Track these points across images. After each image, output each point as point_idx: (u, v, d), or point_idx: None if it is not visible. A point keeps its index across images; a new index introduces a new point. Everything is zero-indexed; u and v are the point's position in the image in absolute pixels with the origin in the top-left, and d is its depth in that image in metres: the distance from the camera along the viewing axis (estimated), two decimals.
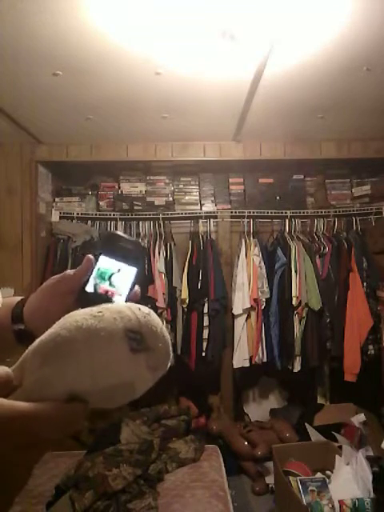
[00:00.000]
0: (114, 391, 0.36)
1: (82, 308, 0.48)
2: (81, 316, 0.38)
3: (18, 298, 0.56)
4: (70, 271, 0.52)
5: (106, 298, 0.48)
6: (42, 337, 0.38)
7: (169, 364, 0.41)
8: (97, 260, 0.50)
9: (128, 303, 0.43)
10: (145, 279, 2.76)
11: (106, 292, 0.49)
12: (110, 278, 0.49)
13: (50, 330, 0.38)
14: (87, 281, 0.50)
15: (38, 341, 0.38)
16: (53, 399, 0.34)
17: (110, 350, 0.36)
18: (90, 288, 0.49)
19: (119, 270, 0.49)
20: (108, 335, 0.36)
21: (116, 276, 0.49)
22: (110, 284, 0.49)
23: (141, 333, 0.37)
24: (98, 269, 0.50)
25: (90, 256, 0.50)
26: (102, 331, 0.36)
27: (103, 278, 0.49)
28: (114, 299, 0.49)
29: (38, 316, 0.51)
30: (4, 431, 0.31)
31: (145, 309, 0.41)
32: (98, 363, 0.35)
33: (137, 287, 0.51)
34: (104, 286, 0.49)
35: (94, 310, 0.39)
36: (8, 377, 0.34)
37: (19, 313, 0.53)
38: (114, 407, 0.38)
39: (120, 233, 0.51)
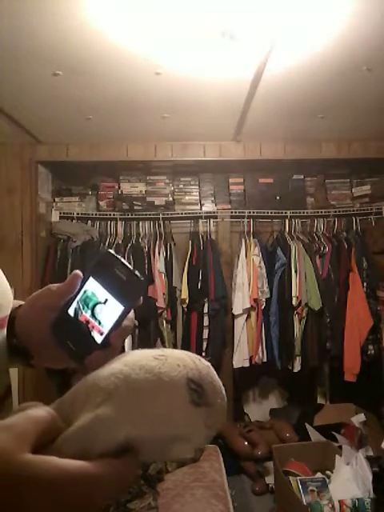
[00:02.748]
0: (169, 444, 0.34)
1: (54, 333, 0.44)
2: (142, 356, 0.35)
3: (16, 303, 0.53)
4: (53, 286, 0.46)
5: (84, 330, 0.42)
6: (100, 372, 0.34)
7: (222, 422, 0.37)
8: (85, 280, 0.43)
9: (187, 352, 0.38)
10: (144, 278, 2.77)
11: (87, 322, 0.43)
12: (93, 307, 0.42)
13: (111, 365, 0.35)
14: (71, 301, 0.44)
15: (93, 376, 0.34)
16: (108, 444, 0.31)
17: (172, 397, 0.33)
18: (71, 311, 0.43)
19: (106, 302, 0.42)
20: (171, 381, 0.33)
21: (100, 307, 0.42)
22: (93, 314, 0.42)
23: (202, 385, 0.35)
24: (85, 291, 0.43)
25: (78, 272, 0.44)
26: (166, 376, 0.34)
27: (87, 306, 0.43)
28: (93, 334, 0.42)
29: (28, 330, 0.48)
30: (62, 498, 0.28)
31: (204, 361, 0.38)
32: (159, 409, 0.33)
33: (124, 325, 0.43)
34: (86, 315, 0.43)
35: (155, 352, 0.36)
36: (53, 419, 0.31)
37: (11, 326, 0.49)
38: (159, 460, 0.36)
39: (118, 257, 0.43)
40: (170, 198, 3.06)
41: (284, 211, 3.01)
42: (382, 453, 2.02)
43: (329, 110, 2.37)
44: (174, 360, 0.35)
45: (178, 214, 3.04)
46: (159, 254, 2.87)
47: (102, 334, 0.42)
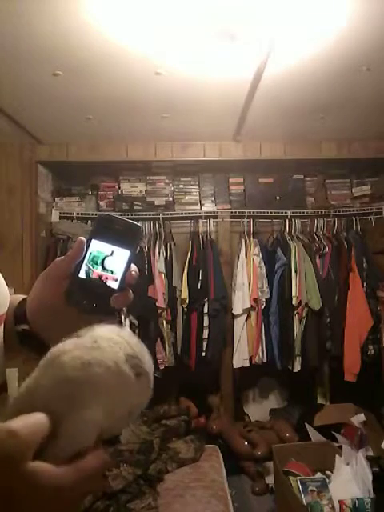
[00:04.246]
0: (124, 419, 0.37)
1: (69, 298, 0.47)
2: (79, 351, 0.35)
3: (20, 297, 0.55)
4: (59, 258, 0.50)
5: (99, 283, 0.47)
6: (47, 382, 0.34)
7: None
8: (88, 244, 0.48)
9: (109, 327, 0.39)
10: (144, 278, 2.77)
11: (100, 276, 0.47)
12: (102, 262, 0.47)
13: (55, 372, 0.35)
14: (80, 266, 0.48)
15: (44, 389, 0.34)
16: (88, 443, 0.33)
17: (121, 381, 0.35)
18: (82, 274, 0.47)
19: (112, 253, 0.47)
20: (116, 365, 0.35)
21: (109, 259, 0.47)
22: (104, 268, 0.47)
23: (137, 356, 0.37)
24: (90, 253, 0.47)
25: (82, 238, 0.48)
26: (110, 362, 0.35)
27: (96, 263, 0.47)
28: (108, 283, 0.47)
29: (40, 313, 0.50)
30: (60, 504, 0.30)
31: (126, 330, 0.40)
32: (116, 396, 0.35)
33: (133, 268, 0.48)
34: (97, 271, 0.47)
35: (86, 340, 0.37)
36: (49, 422, 0.32)
37: (22, 312, 0.51)
38: (119, 433, 0.38)
39: (113, 214, 0.49)
40: (170, 198, 3.06)
41: (284, 211, 3.01)
42: (382, 453, 2.02)
43: (329, 110, 2.37)
44: (105, 342, 0.37)
45: (178, 214, 3.04)
46: (159, 254, 2.87)
47: (116, 280, 0.47)
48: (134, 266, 0.48)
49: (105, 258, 0.47)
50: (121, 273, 0.47)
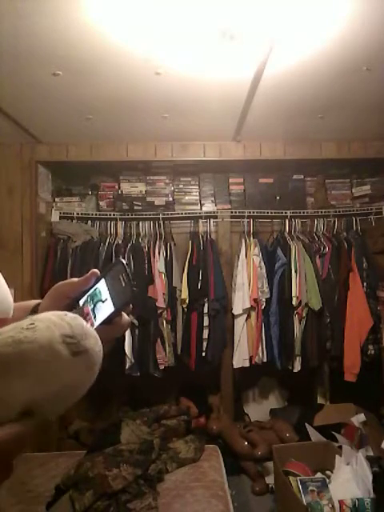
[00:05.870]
0: (61, 397, 0.38)
1: None
2: (13, 331, 0.38)
3: (35, 302, 0.57)
4: (74, 278, 0.53)
5: (82, 319, 0.48)
6: None
7: (100, 362, 0.42)
8: (99, 279, 0.50)
9: (53, 311, 0.42)
10: (144, 278, 2.77)
11: (87, 314, 0.49)
12: (96, 303, 0.49)
13: None
14: (84, 294, 0.50)
15: None
16: (9, 415, 0.35)
17: (54, 356, 0.37)
18: (81, 302, 0.50)
19: (105, 301, 0.48)
20: (48, 343, 0.37)
21: (99, 305, 0.49)
22: (93, 309, 0.49)
23: (74, 336, 0.39)
24: (95, 289, 0.50)
25: (95, 270, 0.51)
26: (43, 340, 0.37)
27: (92, 300, 0.49)
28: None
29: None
30: None
31: (71, 314, 0.42)
32: (46, 372, 0.37)
33: (115, 322, 0.49)
34: (88, 308, 0.49)
35: (24, 322, 0.39)
36: None
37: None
38: (60, 413, 0.39)
39: (127, 268, 0.50)
40: (170, 198, 3.06)
41: (284, 211, 3.01)
42: (382, 453, 2.02)
43: (329, 110, 2.37)
44: (43, 324, 0.39)
45: (178, 214, 3.04)
46: (159, 254, 2.87)
47: (92, 326, 0.48)
48: (122, 321, 0.50)
49: (98, 301, 0.49)
50: (97, 323, 0.48)
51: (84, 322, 0.42)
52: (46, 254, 2.89)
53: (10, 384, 0.36)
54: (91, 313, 0.49)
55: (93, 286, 0.50)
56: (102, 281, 0.49)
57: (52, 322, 0.39)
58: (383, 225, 2.93)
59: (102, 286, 0.49)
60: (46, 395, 0.37)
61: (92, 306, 0.49)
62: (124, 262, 0.50)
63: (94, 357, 0.40)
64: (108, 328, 0.48)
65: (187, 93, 2.08)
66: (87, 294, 0.50)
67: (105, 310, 0.48)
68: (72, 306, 0.50)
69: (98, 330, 0.46)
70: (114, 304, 0.48)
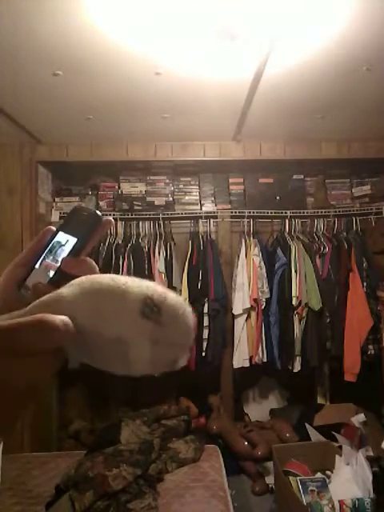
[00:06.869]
0: (108, 344, 0.35)
1: (18, 287, 0.44)
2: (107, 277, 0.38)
3: None
4: (17, 258, 0.48)
5: (40, 271, 0.44)
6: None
7: (179, 358, 0.37)
8: (55, 235, 0.45)
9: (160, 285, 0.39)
10: (144, 278, 2.76)
11: (47, 266, 0.44)
12: (56, 251, 0.44)
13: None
14: (39, 257, 0.45)
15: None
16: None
17: (122, 302, 0.35)
18: (38, 264, 0.45)
19: (66, 243, 0.44)
20: (126, 290, 0.36)
21: (60, 249, 0.44)
22: (54, 258, 0.44)
23: (159, 306, 0.36)
24: (52, 243, 0.45)
25: (49, 227, 0.46)
26: (126, 286, 0.36)
27: (50, 252, 0.45)
28: (48, 273, 0.44)
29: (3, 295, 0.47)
30: None
31: (179, 296, 0.39)
32: (108, 307, 0.35)
33: (83, 259, 0.44)
34: (47, 262, 0.44)
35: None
36: None
37: None
38: (99, 368, 0.36)
39: (81, 206, 0.46)
40: (170, 198, 3.06)
41: (284, 211, 3.01)
42: (382, 453, 2.02)
43: (329, 110, 2.37)
44: (139, 281, 0.37)
45: (178, 214, 3.04)
46: (159, 253, 2.87)
47: (54, 269, 0.43)
48: (85, 256, 0.45)
49: (59, 247, 0.44)
50: (59, 262, 0.43)
51: (186, 310, 0.38)
52: None
53: (76, 296, 0.35)
54: (52, 262, 0.44)
55: (48, 245, 0.45)
56: (59, 234, 0.45)
57: (148, 284, 0.38)
58: (383, 225, 2.93)
59: (59, 237, 0.45)
60: (94, 328, 0.35)
61: (51, 257, 0.44)
62: (77, 206, 0.46)
63: (167, 335, 0.36)
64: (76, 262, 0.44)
65: (187, 93, 2.08)
66: (43, 253, 0.45)
67: (66, 248, 0.44)
68: (27, 273, 0.44)
69: (63, 267, 0.43)
70: (75, 235, 0.44)
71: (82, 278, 0.37)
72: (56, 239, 0.45)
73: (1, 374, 0.31)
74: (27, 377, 0.32)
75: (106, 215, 0.47)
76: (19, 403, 0.33)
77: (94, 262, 0.45)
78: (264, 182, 3.09)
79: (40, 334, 0.31)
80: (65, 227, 0.45)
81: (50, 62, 1.74)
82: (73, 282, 0.37)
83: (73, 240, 0.44)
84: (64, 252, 0.44)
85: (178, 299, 0.38)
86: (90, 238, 0.45)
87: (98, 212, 0.45)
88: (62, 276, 0.42)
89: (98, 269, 0.45)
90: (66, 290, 0.36)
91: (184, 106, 2.26)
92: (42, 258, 0.45)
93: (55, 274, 0.43)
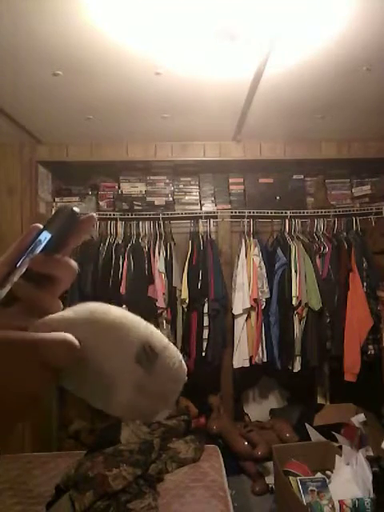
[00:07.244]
0: (95, 377, 0.36)
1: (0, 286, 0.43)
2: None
3: None
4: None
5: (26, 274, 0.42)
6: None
7: (158, 411, 0.38)
8: (39, 234, 0.43)
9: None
10: (144, 278, 2.77)
11: (26, 265, 0.43)
12: (32, 250, 0.43)
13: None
14: (22, 256, 0.43)
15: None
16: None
17: (123, 340, 0.36)
18: (19, 263, 0.43)
19: (45, 240, 0.42)
20: (130, 329, 0.36)
21: (38, 248, 0.42)
22: (29, 256, 0.43)
23: (155, 356, 0.36)
24: (35, 242, 0.43)
25: (35, 225, 0.44)
26: (131, 324, 0.37)
27: (33, 251, 0.43)
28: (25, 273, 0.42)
29: None
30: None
31: (177, 351, 0.40)
32: (108, 340, 0.36)
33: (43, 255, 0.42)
34: (27, 260, 0.42)
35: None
36: None
37: None
38: (80, 396, 0.37)
39: (65, 205, 0.45)
40: (170, 198, 3.06)
41: (284, 211, 3.01)
42: (382, 453, 2.02)
43: (329, 110, 2.37)
44: (151, 328, 0.38)
45: (178, 214, 3.04)
46: (159, 254, 2.87)
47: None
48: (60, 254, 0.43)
49: (39, 245, 0.42)
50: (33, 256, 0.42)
51: (178, 362, 0.39)
52: None
53: (80, 322, 0.36)
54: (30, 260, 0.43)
55: (31, 244, 0.43)
56: (44, 231, 0.43)
57: (149, 325, 0.39)
58: (383, 225, 2.93)
59: (43, 234, 0.43)
60: (91, 354, 0.35)
61: (32, 255, 0.42)
62: (62, 205, 0.45)
63: (154, 386, 0.37)
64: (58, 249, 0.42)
65: (187, 93, 2.08)
66: (26, 252, 0.43)
67: (41, 247, 0.42)
68: (7, 272, 0.43)
69: (35, 259, 0.41)
70: (50, 232, 0.42)
71: (97, 306, 0.38)
72: (39, 237, 0.43)
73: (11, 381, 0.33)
74: (29, 388, 0.34)
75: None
76: (14, 414, 0.34)
77: (72, 262, 0.43)
78: (264, 181, 3.09)
79: (62, 351, 0.34)
80: (47, 225, 0.43)
81: (50, 61, 1.74)
82: (86, 306, 0.38)
83: (46, 236, 0.42)
84: (38, 250, 0.42)
85: (176, 354, 0.39)
86: (67, 236, 0.43)
87: (75, 208, 0.43)
88: (33, 274, 0.41)
89: (75, 269, 0.44)
90: (76, 315, 0.37)
91: (184, 106, 2.26)
92: (24, 256, 0.43)
93: (25, 272, 0.41)
